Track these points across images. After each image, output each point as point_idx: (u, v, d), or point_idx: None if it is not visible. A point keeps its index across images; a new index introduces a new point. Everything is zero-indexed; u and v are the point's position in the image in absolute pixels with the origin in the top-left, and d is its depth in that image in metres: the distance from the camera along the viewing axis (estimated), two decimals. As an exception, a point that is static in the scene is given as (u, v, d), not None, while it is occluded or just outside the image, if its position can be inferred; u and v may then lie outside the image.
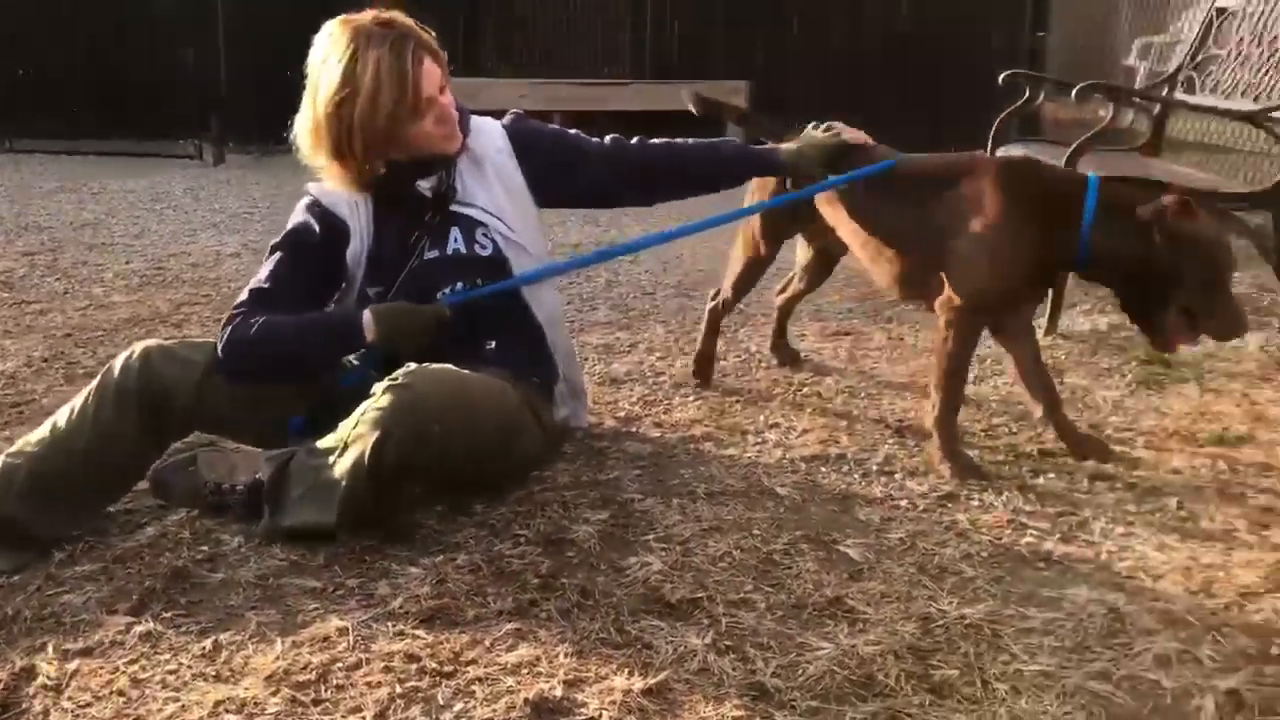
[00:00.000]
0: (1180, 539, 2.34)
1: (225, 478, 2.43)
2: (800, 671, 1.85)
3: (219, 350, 2.48)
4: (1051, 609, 2.05)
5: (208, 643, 1.94)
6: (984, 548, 2.31)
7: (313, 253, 2.61)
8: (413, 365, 2.34)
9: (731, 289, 3.36)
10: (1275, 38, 4.25)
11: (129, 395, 2.39)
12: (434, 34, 2.56)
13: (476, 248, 2.64)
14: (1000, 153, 3.90)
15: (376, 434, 2.22)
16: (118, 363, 2.43)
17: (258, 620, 2.02)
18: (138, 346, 2.47)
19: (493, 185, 2.67)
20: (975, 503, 2.53)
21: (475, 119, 2.72)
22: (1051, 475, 2.68)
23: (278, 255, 2.62)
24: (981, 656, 1.89)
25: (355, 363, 2.57)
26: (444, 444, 2.28)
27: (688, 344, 3.83)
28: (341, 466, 2.27)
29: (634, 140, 2.83)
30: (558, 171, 2.75)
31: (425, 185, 2.61)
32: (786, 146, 2.86)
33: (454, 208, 2.64)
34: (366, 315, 2.48)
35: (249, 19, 9.27)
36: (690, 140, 2.88)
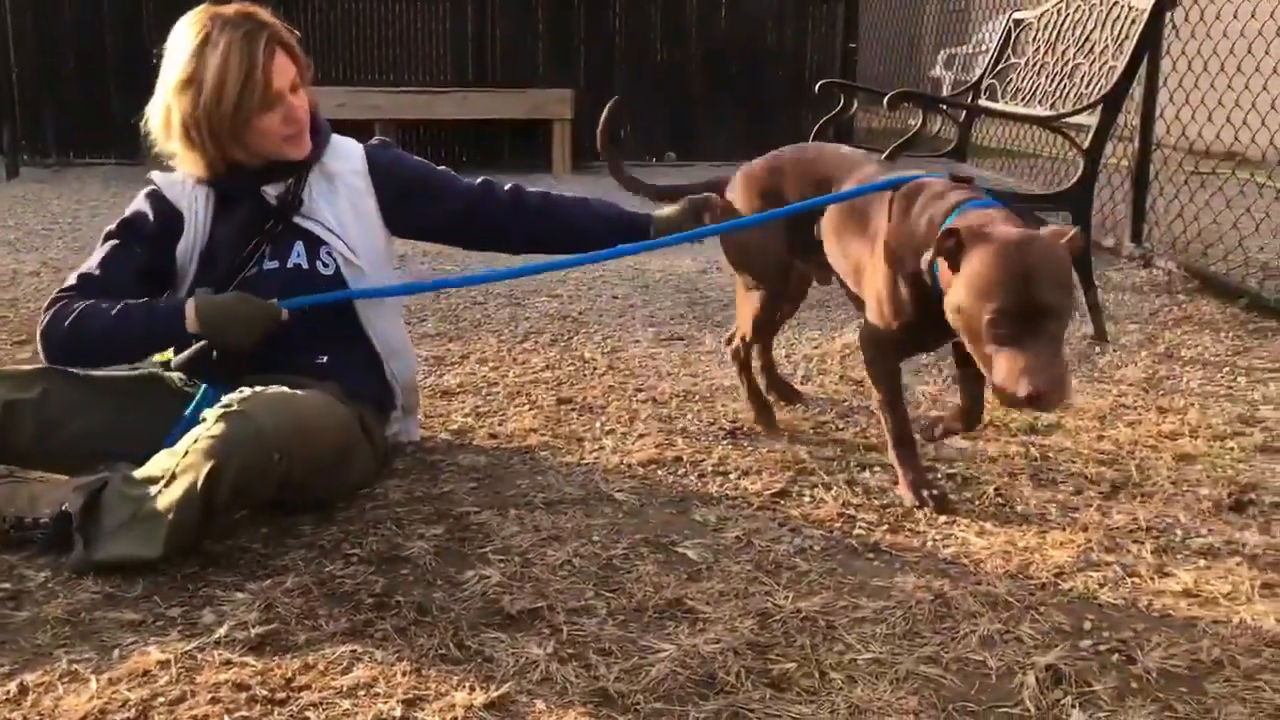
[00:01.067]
0: (998, 524, 2.44)
1: (26, 510, 2.27)
2: (643, 675, 1.85)
3: (39, 332, 2.44)
4: (881, 598, 2.11)
5: (12, 686, 1.81)
6: (817, 541, 2.36)
7: (145, 242, 2.55)
8: (246, 391, 2.26)
9: (750, 329, 3.03)
10: (1066, 48, 4.52)
11: None
12: (298, 35, 2.54)
13: (319, 265, 2.58)
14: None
15: (210, 463, 2.12)
16: None
17: (69, 658, 1.89)
18: None
19: (341, 204, 2.62)
20: (807, 498, 2.59)
21: (337, 138, 2.69)
22: (877, 469, 2.77)
23: (110, 243, 2.55)
24: (818, 648, 1.93)
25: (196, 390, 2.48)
26: (283, 473, 2.21)
27: (520, 353, 3.81)
28: (168, 498, 2.15)
29: (508, 186, 2.80)
30: (413, 203, 2.71)
31: (271, 192, 2.56)
32: (658, 213, 2.82)
33: (298, 219, 2.58)
34: (190, 303, 2.40)
35: (40, 23, 8.76)
36: (564, 195, 2.88)
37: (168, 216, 2.55)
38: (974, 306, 2.14)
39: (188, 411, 2.45)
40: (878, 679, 1.84)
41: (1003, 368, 2.12)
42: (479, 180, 2.80)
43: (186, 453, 2.16)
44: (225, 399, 2.25)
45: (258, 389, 2.27)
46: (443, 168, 2.82)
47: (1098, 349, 3.89)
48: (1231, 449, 2.91)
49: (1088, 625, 2.01)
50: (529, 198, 2.80)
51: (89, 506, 2.19)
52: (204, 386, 2.50)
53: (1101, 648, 1.94)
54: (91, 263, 2.53)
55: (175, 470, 2.16)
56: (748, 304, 3.00)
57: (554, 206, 2.82)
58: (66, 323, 2.41)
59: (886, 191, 2.54)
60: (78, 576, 2.17)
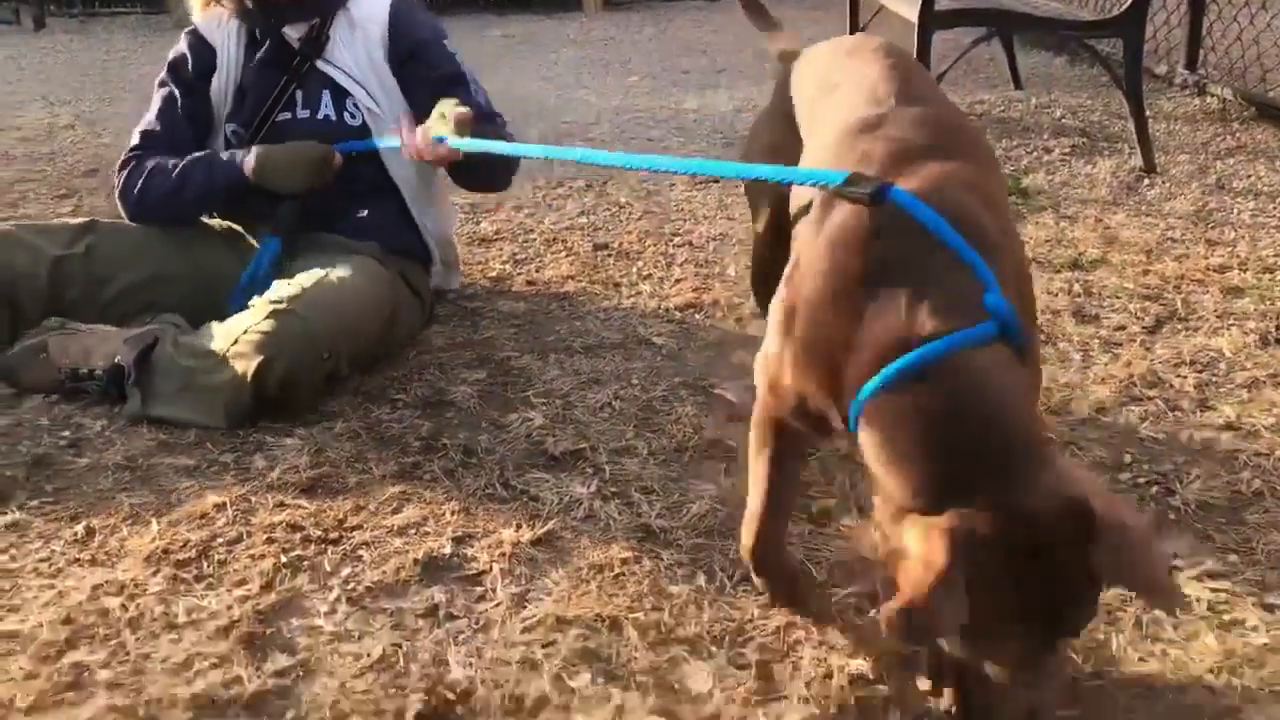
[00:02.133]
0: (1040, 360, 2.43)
1: (81, 362, 2.32)
2: (684, 511, 1.88)
3: (116, 195, 2.59)
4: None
5: (79, 528, 1.88)
6: (856, 382, 2.37)
7: (188, 84, 2.61)
8: (294, 285, 2.27)
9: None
10: None
11: None
12: None
13: (346, 116, 2.59)
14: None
15: (260, 358, 2.15)
16: None
17: (130, 502, 1.96)
18: None
19: (359, 52, 2.60)
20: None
21: None
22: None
23: (161, 91, 2.63)
24: (857, 485, 1.95)
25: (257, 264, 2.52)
26: (332, 368, 2.26)
27: (555, 199, 3.78)
28: (220, 378, 2.19)
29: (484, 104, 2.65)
30: (411, 65, 2.64)
31: (294, 34, 2.57)
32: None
33: (321, 64, 2.58)
34: (251, 152, 2.49)
35: None
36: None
37: (203, 54, 2.60)
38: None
39: (246, 274, 2.48)
40: (916, 513, 1.87)
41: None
42: (472, 81, 2.68)
43: (236, 340, 2.18)
44: (275, 291, 2.26)
45: (305, 283, 2.28)
46: (456, 52, 2.69)
47: (1146, 181, 3.80)
48: (1281, 281, 2.86)
49: (1128, 459, 2.02)
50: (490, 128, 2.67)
51: (142, 362, 2.24)
52: (261, 245, 2.51)
53: (1141, 480, 1.95)
54: (149, 117, 2.62)
55: (226, 354, 2.19)
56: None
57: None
58: (136, 188, 2.53)
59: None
60: (133, 425, 2.23)
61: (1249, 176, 3.84)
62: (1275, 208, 3.48)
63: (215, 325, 2.28)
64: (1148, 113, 4.03)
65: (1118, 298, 2.78)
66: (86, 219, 2.60)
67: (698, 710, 1.43)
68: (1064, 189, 3.72)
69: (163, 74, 2.64)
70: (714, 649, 1.53)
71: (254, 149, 2.49)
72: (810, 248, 1.47)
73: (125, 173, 2.56)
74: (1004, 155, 4.17)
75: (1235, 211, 3.46)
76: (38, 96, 5.88)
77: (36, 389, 2.34)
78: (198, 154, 2.53)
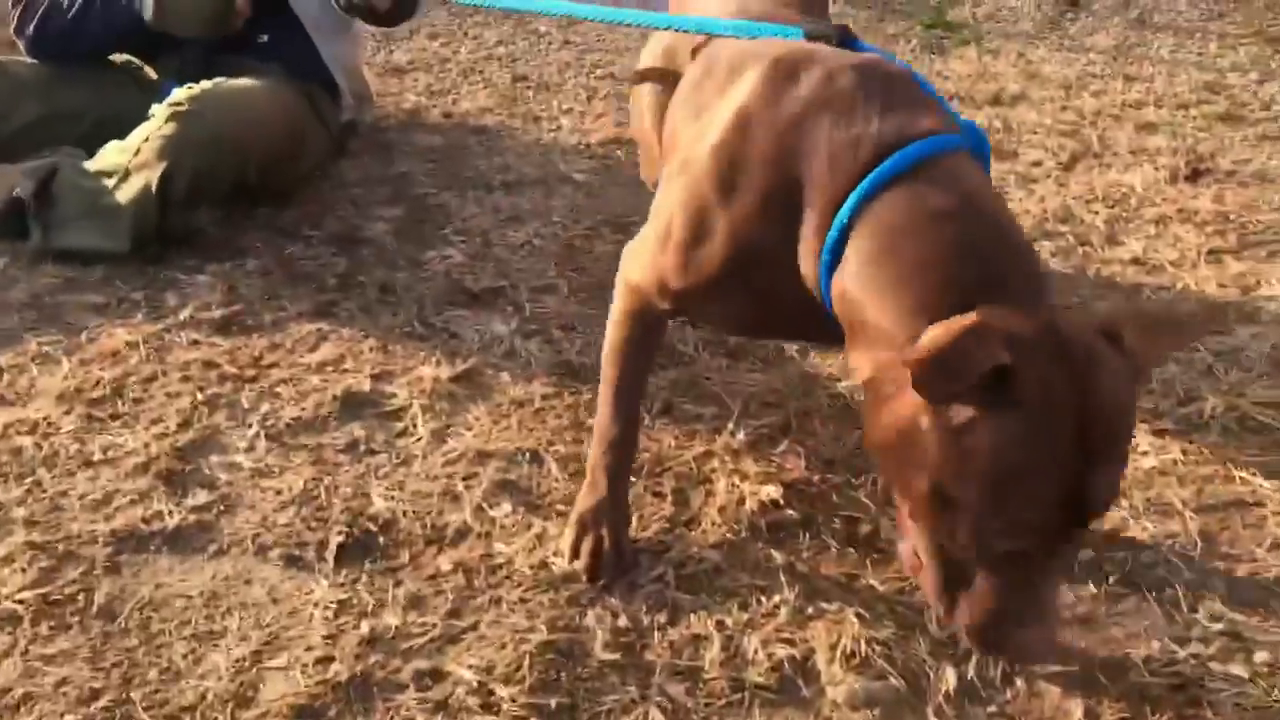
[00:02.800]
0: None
1: None
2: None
3: (12, 31, 2.45)
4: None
5: (-14, 369, 1.85)
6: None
7: None
8: (194, 87, 2.20)
9: None
10: None
11: None
12: None
13: None
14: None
15: (164, 164, 2.09)
16: None
17: (38, 341, 1.92)
18: None
19: None
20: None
21: None
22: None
23: None
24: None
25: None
26: (239, 168, 2.19)
27: (472, 26, 3.65)
28: (125, 193, 2.12)
29: None
30: None
31: None
32: None
33: None
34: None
35: None
36: None
37: None
38: (978, 501, 1.04)
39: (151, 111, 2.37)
40: (825, 356, 1.90)
41: (973, 595, 1.10)
42: None
43: (139, 151, 2.12)
44: (175, 95, 2.18)
45: (205, 85, 2.21)
46: None
47: (1069, 15, 3.78)
48: (1194, 118, 2.90)
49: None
50: None
51: (41, 193, 2.16)
52: (163, 88, 2.39)
53: (1047, 314, 2.00)
54: None
55: (129, 167, 2.12)
56: None
57: None
58: (31, 24, 2.40)
59: (763, 46, 1.40)
60: (36, 262, 2.16)
61: (1170, 11, 3.84)
62: (1193, 44, 3.50)
63: (114, 143, 2.21)
64: (1074, -56, 3.97)
65: (1035, 134, 2.80)
66: None
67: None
68: (988, 22, 3.69)
69: None
70: (633, 479, 1.57)
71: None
72: (723, 119, 1.31)
73: (20, 7, 2.42)
74: (930, -13, 4.10)
75: (1155, 47, 3.47)
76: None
77: None
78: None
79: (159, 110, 2.17)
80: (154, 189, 2.10)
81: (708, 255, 1.28)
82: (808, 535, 1.48)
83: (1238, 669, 1.28)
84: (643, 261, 1.41)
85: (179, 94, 2.19)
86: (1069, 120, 2.87)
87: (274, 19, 2.47)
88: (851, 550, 1.45)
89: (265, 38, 2.47)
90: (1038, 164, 2.62)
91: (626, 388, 1.47)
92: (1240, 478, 1.58)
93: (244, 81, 2.28)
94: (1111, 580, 1.40)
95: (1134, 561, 1.43)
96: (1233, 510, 1.53)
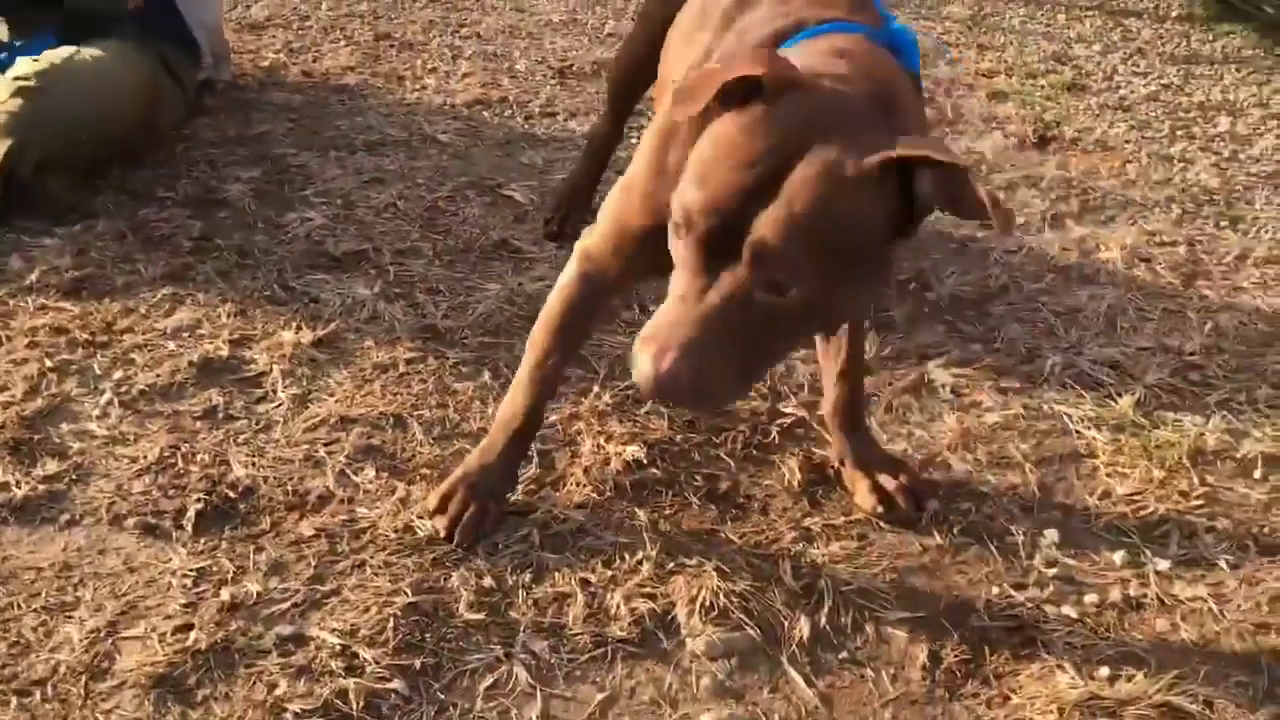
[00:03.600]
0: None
1: None
2: (470, 311, 1.90)
3: None
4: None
5: None
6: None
7: None
8: (41, 60, 2.11)
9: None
10: None
11: None
12: None
13: None
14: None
15: (9, 142, 2.02)
16: None
17: None
18: None
19: None
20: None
21: None
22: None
23: None
24: (638, 290, 2.00)
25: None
26: (89, 145, 2.13)
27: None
28: None
29: None
30: None
31: None
32: None
33: None
34: None
35: None
36: None
37: None
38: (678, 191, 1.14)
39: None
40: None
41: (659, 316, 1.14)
42: None
43: None
44: (20, 67, 2.10)
45: (53, 58, 2.12)
46: None
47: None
48: (1042, 87, 3.02)
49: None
50: None
51: None
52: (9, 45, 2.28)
53: (901, 278, 2.07)
54: None
55: None
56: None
57: None
58: None
59: None
60: None
61: (1022, -17, 3.98)
62: (1043, 15, 3.63)
63: None
64: (932, -85, 4.08)
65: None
66: None
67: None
68: None
69: None
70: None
71: None
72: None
73: None
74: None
75: (1007, 17, 3.60)
76: None
77: None
78: None
79: (1, 82, 2.07)
80: None
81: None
82: (670, 493, 1.51)
83: (1069, 610, 1.36)
84: (602, 219, 1.42)
85: (25, 66, 2.09)
86: (924, 89, 2.96)
87: None
88: (712, 507, 1.50)
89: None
90: (895, 131, 2.69)
91: (554, 362, 1.46)
92: (1076, 431, 1.67)
93: (93, 52, 2.19)
94: (956, 531, 1.47)
95: (977, 512, 1.51)
96: (1068, 462, 1.62)
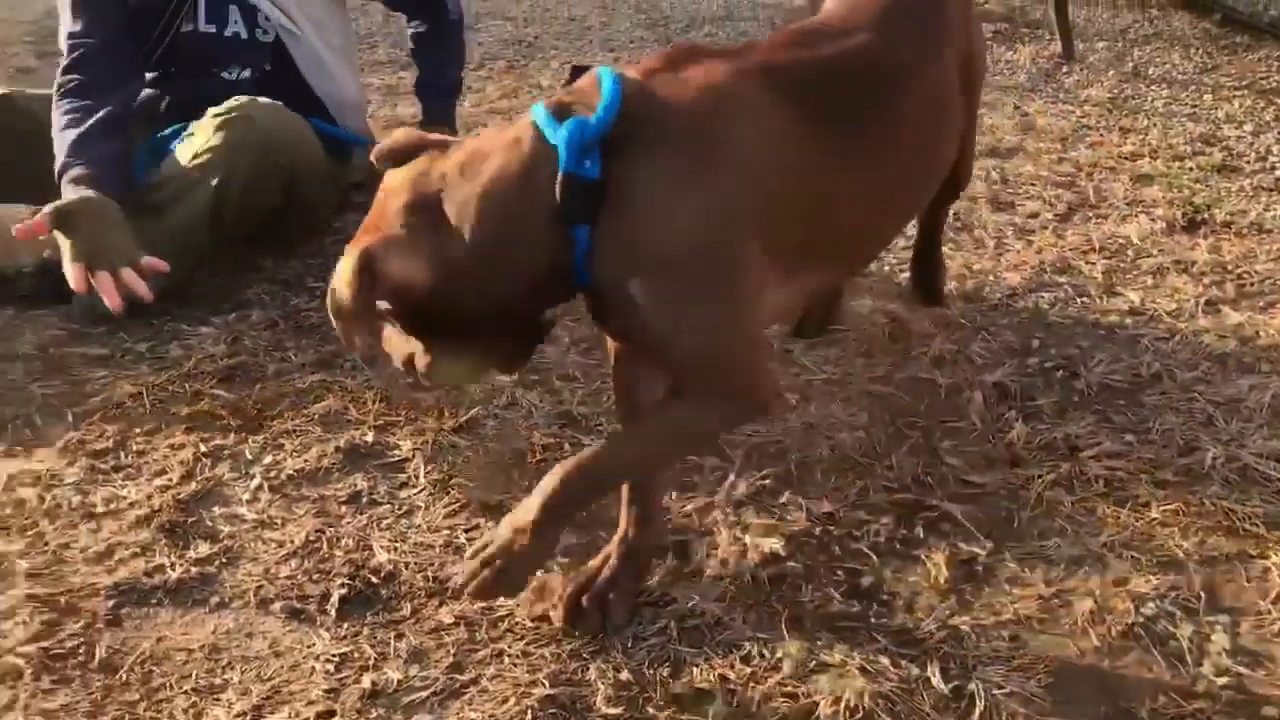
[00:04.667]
0: (954, 248, 2.47)
1: (4, 262, 2.23)
2: (605, 398, 1.91)
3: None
4: (836, 322, 2.16)
5: (-10, 420, 1.85)
6: (776, 268, 2.39)
7: None
8: (235, 100, 2.22)
9: None
10: None
11: None
12: None
13: (258, 33, 2.45)
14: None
15: (219, 176, 2.13)
16: None
17: (43, 392, 1.93)
18: None
19: None
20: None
21: None
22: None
23: (69, 10, 2.31)
24: (773, 372, 1.99)
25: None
26: (286, 177, 2.23)
27: (475, 81, 3.70)
28: (174, 219, 2.16)
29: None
30: None
31: None
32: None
33: None
34: (66, 197, 2.07)
35: None
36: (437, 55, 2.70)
37: None
38: None
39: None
40: (830, 398, 1.91)
41: None
42: None
43: (192, 167, 2.16)
44: (226, 106, 2.21)
45: (243, 98, 2.23)
46: None
47: (1065, 69, 3.83)
48: (1190, 169, 2.92)
49: (1035, 344, 2.08)
50: (435, 40, 2.67)
51: None
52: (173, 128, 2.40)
53: (1047, 364, 2.01)
54: (68, 30, 2.29)
55: (178, 190, 2.16)
56: None
57: (432, 59, 2.72)
58: (52, 114, 2.24)
59: None
60: (40, 313, 2.18)
61: (1165, 64, 3.89)
62: (1188, 96, 3.54)
63: (167, 169, 2.22)
64: (1069, -1, 4.04)
65: (1033, 185, 2.82)
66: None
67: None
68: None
69: None
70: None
71: (69, 200, 2.05)
72: None
73: (54, 95, 2.27)
74: (927, 40, 4.16)
75: (1149, 99, 3.51)
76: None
77: None
78: (72, 138, 2.17)
79: (202, 127, 2.19)
80: (209, 202, 2.14)
81: None
82: (810, 587, 1.47)
83: (1244, 723, 1.27)
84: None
85: (227, 104, 2.21)
86: (1065, 172, 2.90)
87: (292, 102, 2.48)
88: (854, 602, 1.45)
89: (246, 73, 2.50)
90: (1034, 215, 2.65)
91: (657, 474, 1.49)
92: (1243, 529, 1.58)
93: (277, 103, 2.30)
94: (1115, 633, 1.40)
95: (1137, 614, 1.43)
96: (1236, 562, 1.52)
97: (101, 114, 2.17)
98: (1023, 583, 1.48)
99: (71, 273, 1.95)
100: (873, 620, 1.42)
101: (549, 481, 1.32)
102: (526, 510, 1.33)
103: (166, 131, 2.34)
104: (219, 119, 2.17)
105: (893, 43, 1.54)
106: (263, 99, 2.26)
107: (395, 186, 1.31)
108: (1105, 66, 3.86)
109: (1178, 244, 2.49)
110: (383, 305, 1.28)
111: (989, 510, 1.62)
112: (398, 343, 1.33)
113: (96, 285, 1.93)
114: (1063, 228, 2.57)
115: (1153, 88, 3.62)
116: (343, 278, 1.24)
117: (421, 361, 1.32)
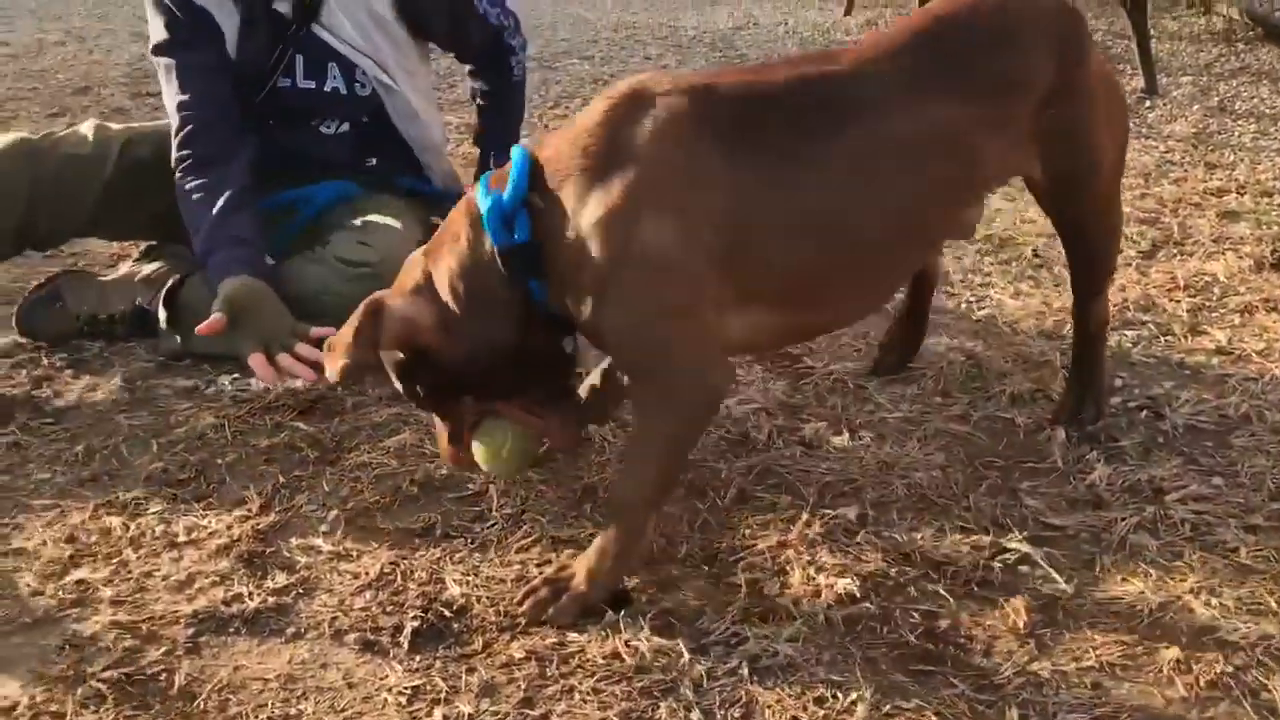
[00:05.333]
0: (1034, 285, 2.44)
1: (97, 307, 2.30)
2: (678, 434, 1.90)
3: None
4: (913, 360, 2.14)
5: (79, 449, 1.91)
6: (851, 305, 2.38)
7: (197, 43, 2.31)
8: (371, 244, 2.23)
9: None
10: None
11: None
12: None
13: (357, 87, 2.46)
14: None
15: (339, 314, 2.10)
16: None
17: (129, 423, 1.98)
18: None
19: (360, 16, 2.41)
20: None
21: None
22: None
23: (172, 61, 2.32)
24: (849, 409, 1.97)
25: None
26: None
27: (553, 119, 3.75)
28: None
29: (514, 54, 2.64)
30: (426, 23, 2.49)
31: (282, 5, 2.35)
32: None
33: (319, 31, 2.39)
34: (224, 285, 2.09)
35: None
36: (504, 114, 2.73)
37: (197, 12, 2.31)
38: None
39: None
40: (906, 436, 1.89)
41: None
42: (504, 35, 2.61)
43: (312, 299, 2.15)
44: (358, 253, 2.21)
45: (380, 241, 2.24)
46: None
47: (1148, 103, 3.77)
48: (1279, 205, 2.85)
49: (1119, 383, 2.03)
50: (498, 99, 2.70)
51: (171, 300, 2.23)
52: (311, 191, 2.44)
53: (1131, 404, 1.97)
54: (177, 100, 2.29)
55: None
56: None
57: (494, 117, 2.74)
58: (177, 193, 2.27)
59: None
60: (129, 347, 2.24)
61: (1251, 99, 3.81)
62: (1276, 130, 3.46)
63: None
64: (1151, 33, 3.98)
65: (1114, 221, 2.77)
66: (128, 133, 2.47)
67: (692, 628, 1.46)
68: (1064, 111, 3.69)
69: (160, 45, 2.33)
70: (706, 567, 1.56)
71: (230, 283, 2.08)
72: None
73: (175, 176, 2.28)
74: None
75: (1235, 134, 3.44)
76: (27, 11, 5.79)
77: (57, 339, 2.31)
78: (212, 222, 2.19)
79: (332, 270, 2.20)
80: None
81: None
82: (885, 629, 1.45)
83: (1340, 780, 1.22)
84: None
85: (362, 253, 2.21)
86: (1149, 208, 2.84)
87: (381, 146, 2.53)
88: (930, 646, 1.42)
89: (374, 160, 2.53)
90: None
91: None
92: (1337, 577, 1.52)
93: (391, 222, 2.31)
94: (1203, 683, 1.35)
95: (1225, 663, 1.38)
96: (1330, 611, 1.47)
97: (231, 190, 2.19)
98: (1106, 628, 1.44)
99: (256, 365, 2.00)
100: (949, 664, 1.39)
101: (601, 543, 1.51)
102: (593, 560, 1.50)
103: (270, 200, 2.37)
104: (355, 270, 2.16)
105: (886, 77, 1.53)
106: (392, 231, 2.28)
107: (406, 266, 1.59)
108: (1189, 101, 3.79)
109: (1266, 281, 2.43)
110: (395, 356, 1.54)
111: (1070, 553, 1.59)
112: (443, 437, 1.62)
113: (283, 368, 1.98)
114: (1146, 265, 2.52)
115: (1239, 122, 3.55)
116: (350, 320, 1.52)
117: (460, 440, 1.61)
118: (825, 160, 1.49)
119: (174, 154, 2.26)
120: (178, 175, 2.24)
